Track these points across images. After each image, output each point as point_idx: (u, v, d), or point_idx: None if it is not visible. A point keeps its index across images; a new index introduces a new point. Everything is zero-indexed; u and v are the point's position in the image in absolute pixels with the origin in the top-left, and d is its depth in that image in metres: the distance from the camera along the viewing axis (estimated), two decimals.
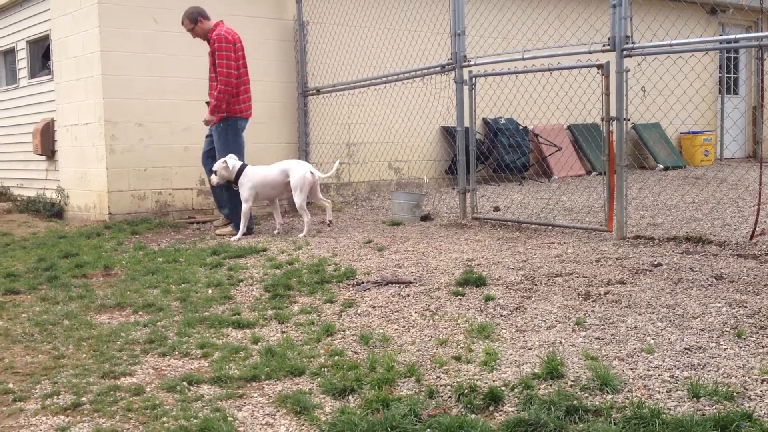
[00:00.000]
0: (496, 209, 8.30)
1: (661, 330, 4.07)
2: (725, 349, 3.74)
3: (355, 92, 9.64)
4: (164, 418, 3.33)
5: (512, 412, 3.24)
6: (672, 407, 3.14)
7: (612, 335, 4.05)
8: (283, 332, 4.60)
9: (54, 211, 9.67)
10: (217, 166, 7.63)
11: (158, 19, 8.88)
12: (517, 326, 4.34)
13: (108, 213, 8.71)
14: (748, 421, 2.93)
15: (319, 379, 3.77)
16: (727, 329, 4.02)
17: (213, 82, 7.79)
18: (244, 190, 7.63)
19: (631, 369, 3.57)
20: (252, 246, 7.03)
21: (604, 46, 6.46)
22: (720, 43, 8.31)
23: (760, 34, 9.36)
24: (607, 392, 3.31)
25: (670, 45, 6.22)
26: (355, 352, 4.15)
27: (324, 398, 3.54)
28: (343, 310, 4.93)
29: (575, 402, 3.19)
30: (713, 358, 3.64)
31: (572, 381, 3.46)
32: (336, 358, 4.05)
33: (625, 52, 6.35)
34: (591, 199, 8.67)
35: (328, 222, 7.99)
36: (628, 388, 3.36)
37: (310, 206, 7.95)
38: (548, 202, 8.95)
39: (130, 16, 8.72)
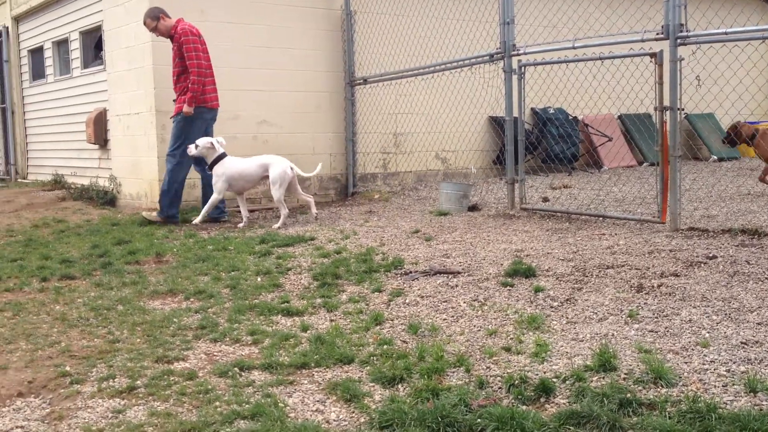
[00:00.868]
0: (545, 200, 8.22)
1: (717, 323, 3.99)
2: None
3: (402, 82, 9.62)
4: (217, 403, 3.37)
5: (564, 404, 3.21)
6: (728, 402, 3.08)
7: (666, 328, 3.98)
8: (331, 320, 4.62)
9: (107, 198, 9.85)
10: (203, 141, 7.74)
11: (205, 11, 8.96)
12: (567, 318, 4.29)
13: (159, 201, 8.82)
14: None
15: (368, 368, 3.78)
16: None
17: (176, 77, 8.01)
18: (218, 180, 7.77)
19: (686, 362, 3.51)
20: (300, 235, 7.07)
21: (657, 34, 6.33)
22: None
23: None
24: (662, 386, 3.26)
25: (726, 33, 6.07)
26: (404, 342, 4.15)
27: (373, 386, 3.55)
28: (391, 299, 4.93)
29: (629, 395, 3.15)
30: None
31: (625, 374, 3.41)
32: (385, 347, 4.06)
33: (679, 41, 6.21)
34: (643, 190, 8.53)
35: (315, 215, 8.10)
36: (682, 381, 3.30)
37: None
38: (599, 193, 8.83)
39: (179, 7, 8.79)
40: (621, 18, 9.15)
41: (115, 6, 9.44)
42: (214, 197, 7.87)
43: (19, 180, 13.25)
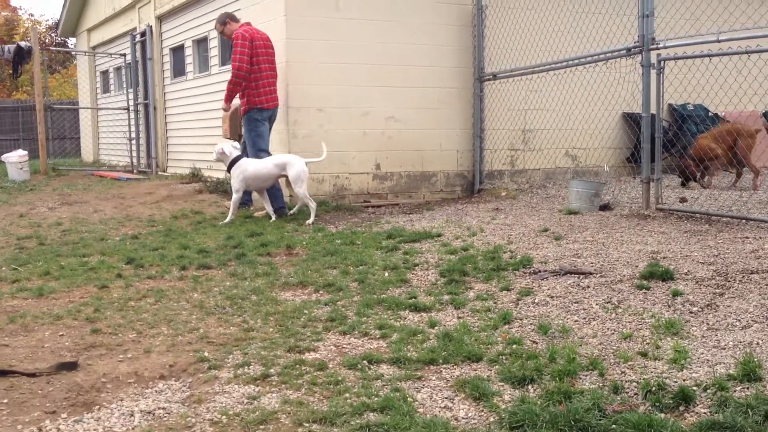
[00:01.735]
0: (683, 200, 7.86)
1: None
2: None
3: (532, 77, 9.45)
4: (347, 394, 3.41)
5: (705, 413, 3.05)
6: None
7: None
8: (459, 317, 4.59)
9: None
10: (217, 149, 8.38)
11: (341, 7, 9.11)
12: (708, 324, 4.08)
13: (289, 195, 9.06)
14: None
15: (497, 367, 3.73)
16: None
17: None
18: (235, 181, 8.26)
19: None
20: (426, 231, 7.08)
21: None
22: None
23: None
24: None
25: None
26: (534, 342, 4.07)
27: (503, 386, 3.49)
28: (519, 298, 4.85)
29: None
30: None
31: None
32: (514, 346, 3.99)
33: None
34: None
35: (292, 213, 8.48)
36: None
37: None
38: (741, 194, 8.37)
39: (314, 4, 9.01)
40: None
41: (253, 5, 9.74)
42: (234, 197, 8.33)
43: (159, 173, 13.93)
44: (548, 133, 10.12)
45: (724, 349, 3.71)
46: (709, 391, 3.23)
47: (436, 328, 4.39)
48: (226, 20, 8.84)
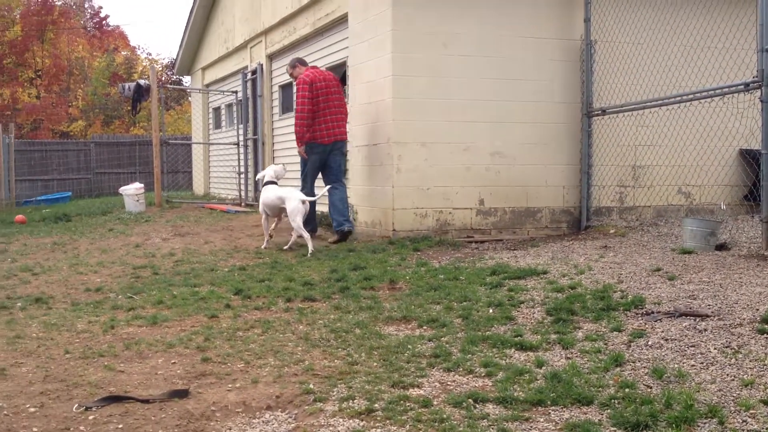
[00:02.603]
0: None
1: None
2: None
3: (643, 113, 9.21)
4: None
5: None
6: None
7: None
8: (567, 358, 4.46)
9: None
10: (259, 175, 9.71)
11: (447, 44, 9.17)
12: None
13: (392, 229, 9.11)
14: None
15: (608, 411, 3.59)
16: None
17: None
18: (260, 204, 9.30)
19: None
20: (531, 268, 6.95)
21: None
22: None
23: None
24: None
25: None
26: (648, 386, 3.91)
27: (615, 431, 3.36)
28: (631, 340, 4.68)
29: None
30: None
31: None
32: (627, 390, 3.84)
33: None
34: None
35: (289, 246, 9.02)
36: None
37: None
38: None
39: (420, 42, 9.09)
40: None
41: (360, 43, 9.93)
42: (262, 219, 9.31)
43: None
44: (659, 169, 9.81)
45: None
46: None
47: (543, 368, 4.28)
48: (295, 64, 9.89)
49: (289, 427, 3.53)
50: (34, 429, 3.58)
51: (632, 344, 4.60)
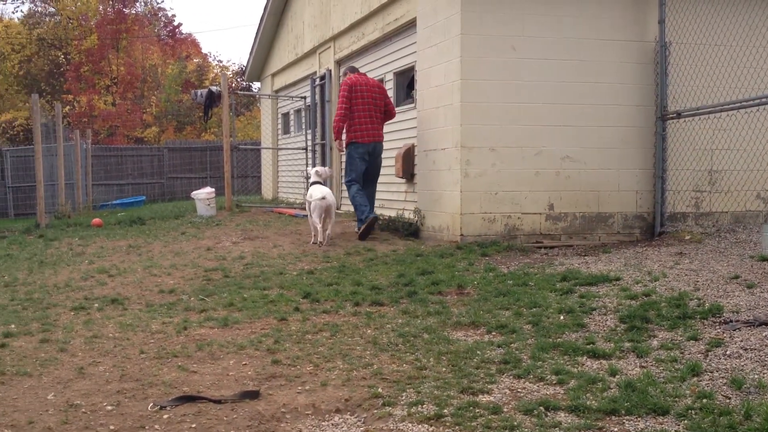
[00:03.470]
0: None
1: None
2: None
3: (720, 116, 8.94)
4: None
5: None
6: None
7: None
8: (642, 367, 4.35)
9: (411, 230, 10.30)
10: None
11: (517, 47, 9.08)
12: None
13: (460, 234, 9.05)
14: None
15: (685, 421, 3.50)
16: None
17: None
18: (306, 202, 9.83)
19: None
20: (603, 274, 6.81)
21: None
22: None
23: None
24: None
25: None
26: (726, 397, 3.78)
27: None
28: (709, 349, 4.54)
29: None
30: None
31: None
32: (704, 400, 3.73)
33: None
34: None
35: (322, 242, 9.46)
36: None
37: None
38: None
39: (489, 45, 9.03)
40: None
41: (429, 47, 9.92)
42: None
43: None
44: (737, 174, 9.50)
45: None
46: None
47: (617, 376, 4.18)
48: (346, 72, 10.71)
49: (359, 430, 3.54)
50: (111, 427, 3.67)
51: (710, 354, 4.46)
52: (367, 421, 3.66)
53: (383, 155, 10.91)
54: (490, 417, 3.62)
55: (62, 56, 39.12)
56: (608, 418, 3.60)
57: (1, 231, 13.68)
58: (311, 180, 10.04)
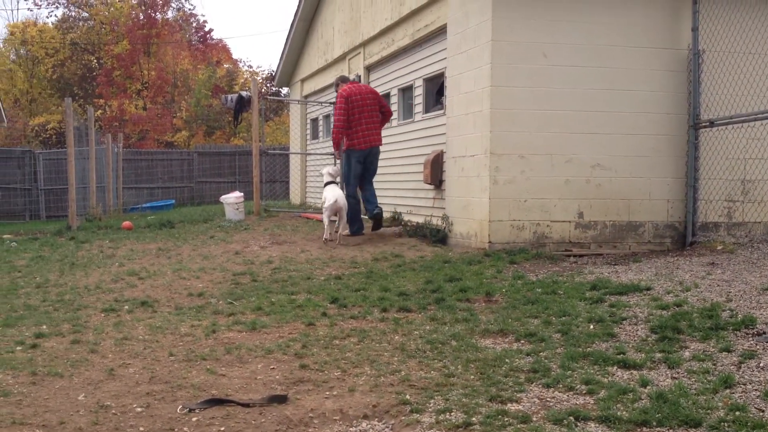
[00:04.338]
0: None
1: None
2: None
3: (754, 125, 8.82)
4: None
5: None
6: None
7: None
8: (673, 378, 4.30)
9: (439, 237, 10.27)
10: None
11: (548, 54, 9.03)
12: None
13: (488, 241, 9.01)
14: None
15: None
16: None
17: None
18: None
19: None
20: (634, 283, 6.74)
21: None
22: None
23: None
24: None
25: None
26: (760, 410, 3.72)
27: None
28: (742, 361, 4.47)
29: None
30: None
31: None
32: (737, 413, 3.67)
33: None
34: None
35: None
36: None
37: None
38: None
39: (520, 52, 9.00)
40: None
41: (458, 54, 9.90)
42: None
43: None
44: None
45: None
46: None
47: (648, 387, 4.13)
48: (338, 83, 11.29)
49: None
50: (141, 428, 3.70)
51: (742, 365, 4.39)
52: (395, 427, 3.65)
53: (408, 162, 10.98)
54: (519, 426, 3.59)
55: (95, 61, 39.64)
56: (639, 429, 3.55)
57: (33, 233, 13.89)
58: (324, 180, 10.61)
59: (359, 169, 10.78)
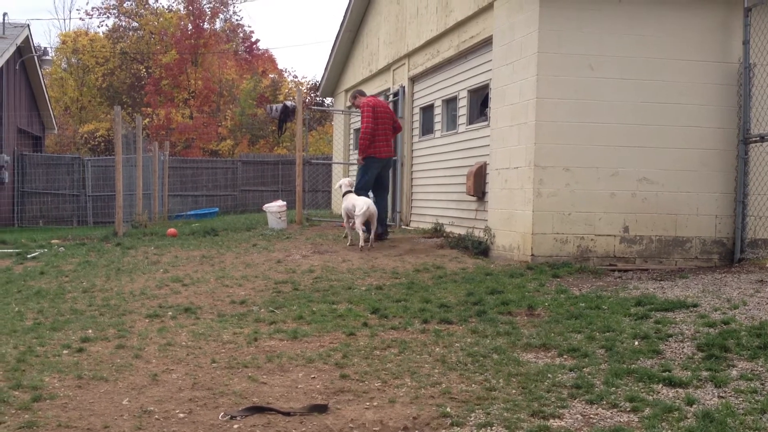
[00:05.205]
0: None
1: None
2: None
3: None
4: None
5: None
6: None
7: None
8: (720, 397, 4.21)
9: (480, 249, 10.21)
10: (341, 182, 11.31)
11: (595, 66, 8.95)
12: None
13: (531, 254, 8.94)
14: None
15: None
16: None
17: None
18: (342, 210, 10.87)
19: None
20: (680, 300, 6.62)
21: None
22: None
23: None
24: None
25: None
26: None
27: None
28: None
29: None
30: None
31: None
32: None
33: None
34: None
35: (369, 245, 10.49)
36: None
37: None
38: None
39: (567, 64, 8.93)
40: None
41: (504, 65, 9.87)
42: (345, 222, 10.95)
43: (402, 226, 14.38)
44: None
45: None
46: None
47: (694, 406, 4.05)
48: (356, 95, 11.99)
49: None
50: None
51: None
52: None
53: (451, 173, 11.01)
54: None
55: (143, 70, 40.36)
56: None
57: (80, 238, 14.15)
58: (343, 190, 11.09)
59: (375, 174, 11.28)
